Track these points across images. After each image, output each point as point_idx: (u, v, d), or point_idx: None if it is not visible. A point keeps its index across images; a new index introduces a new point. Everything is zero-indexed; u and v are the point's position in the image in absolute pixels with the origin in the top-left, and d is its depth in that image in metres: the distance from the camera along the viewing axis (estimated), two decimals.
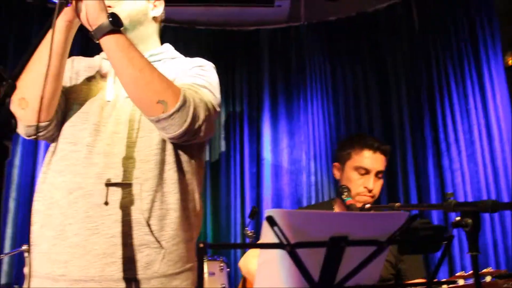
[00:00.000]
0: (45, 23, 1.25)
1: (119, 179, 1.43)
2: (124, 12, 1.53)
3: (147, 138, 1.48)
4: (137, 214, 1.41)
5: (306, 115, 4.07)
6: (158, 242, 1.42)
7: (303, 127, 4.06)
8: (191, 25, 4.14)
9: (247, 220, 3.71)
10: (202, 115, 1.43)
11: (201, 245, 0.92)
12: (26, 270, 1.57)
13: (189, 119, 1.39)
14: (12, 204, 3.45)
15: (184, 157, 1.53)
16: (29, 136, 1.52)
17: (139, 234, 1.41)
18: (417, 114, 3.75)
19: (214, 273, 3.29)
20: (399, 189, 3.68)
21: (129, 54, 1.36)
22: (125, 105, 1.51)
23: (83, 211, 1.41)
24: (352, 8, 4.03)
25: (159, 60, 1.62)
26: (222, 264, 3.31)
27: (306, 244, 0.96)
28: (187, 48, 4.11)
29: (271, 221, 0.91)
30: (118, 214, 1.40)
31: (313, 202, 3.88)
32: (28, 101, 1.40)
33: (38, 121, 1.44)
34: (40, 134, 1.51)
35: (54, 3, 3.28)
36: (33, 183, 3.53)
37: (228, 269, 3.37)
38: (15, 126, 1.07)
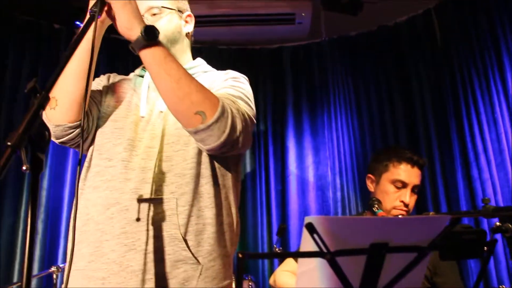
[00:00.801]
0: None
1: (155, 194, 1.42)
2: (163, 35, 1.54)
3: (182, 152, 1.48)
4: (173, 229, 1.40)
5: (330, 131, 4.06)
6: (195, 258, 1.41)
7: (328, 143, 4.05)
8: (213, 45, 4.19)
9: (275, 237, 3.68)
10: (240, 126, 1.42)
11: (240, 255, 0.91)
12: None
13: (227, 130, 1.38)
14: (40, 226, 3.49)
15: (220, 171, 1.53)
16: (58, 139, 1.53)
17: (176, 250, 1.39)
18: (443, 125, 3.70)
19: None
20: (428, 201, 3.62)
21: (166, 66, 1.36)
22: (160, 120, 1.53)
23: (120, 226, 1.40)
24: (373, 22, 4.04)
25: (192, 74, 1.60)
26: (251, 283, 3.28)
27: (346, 252, 0.95)
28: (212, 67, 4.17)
29: (311, 228, 0.90)
30: (154, 230, 1.39)
31: None
32: (57, 99, 1.43)
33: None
34: (68, 136, 1.51)
35: (80, 26, 3.34)
36: (61, 206, 3.58)
37: None
38: (48, 138, 1.09)
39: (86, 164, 1.57)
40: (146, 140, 1.50)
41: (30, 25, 3.73)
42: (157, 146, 1.48)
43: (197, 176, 1.47)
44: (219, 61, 4.17)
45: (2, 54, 3.56)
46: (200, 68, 1.70)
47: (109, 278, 1.38)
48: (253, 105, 1.59)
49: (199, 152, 1.48)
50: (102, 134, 1.55)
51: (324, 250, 0.93)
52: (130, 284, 1.36)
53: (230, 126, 1.38)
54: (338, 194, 3.90)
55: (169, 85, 1.36)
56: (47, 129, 1.09)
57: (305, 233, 0.92)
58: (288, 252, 1.63)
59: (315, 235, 0.91)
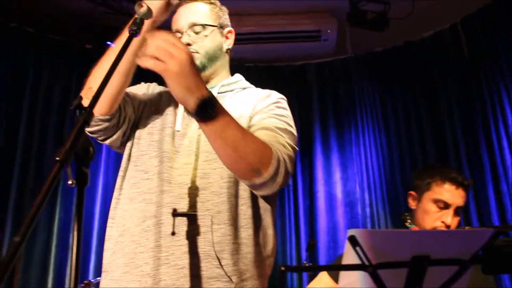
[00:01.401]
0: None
1: (191, 210, 1.42)
2: (202, 50, 1.58)
3: (220, 170, 1.46)
4: (207, 246, 1.39)
5: (358, 147, 4.05)
6: (228, 276, 1.39)
7: (355, 159, 4.04)
8: (240, 62, 4.25)
9: (304, 254, 3.67)
10: (290, 169, 1.42)
11: (282, 268, 0.92)
12: None
13: (281, 181, 1.38)
14: (71, 241, 3.55)
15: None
16: (88, 129, 1.52)
17: (209, 267, 1.38)
18: (472, 140, 3.66)
19: None
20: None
21: (223, 135, 1.31)
22: (197, 136, 1.52)
23: (154, 240, 1.41)
24: (399, 37, 4.04)
25: (231, 90, 1.65)
26: None
27: (388, 264, 0.95)
28: None
29: (354, 241, 0.91)
30: (188, 245, 1.39)
31: None
32: (94, 90, 1.44)
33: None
34: (97, 127, 1.51)
35: (110, 46, 3.39)
36: (92, 221, 3.63)
37: None
38: (93, 153, 1.12)
39: (121, 173, 1.58)
40: (182, 155, 1.50)
41: (62, 45, 3.85)
42: (194, 162, 1.48)
43: (234, 196, 1.47)
44: (246, 79, 4.23)
45: (35, 74, 3.67)
46: (240, 85, 1.70)
47: None
48: (295, 131, 1.57)
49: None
50: (138, 146, 1.57)
51: (366, 263, 0.94)
52: None
53: (284, 176, 1.38)
54: (367, 210, 3.88)
55: (226, 152, 1.34)
56: (92, 144, 1.12)
57: (348, 246, 0.92)
58: (329, 265, 1.61)
59: (357, 248, 0.92)
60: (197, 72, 1.26)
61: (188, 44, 1.56)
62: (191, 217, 1.41)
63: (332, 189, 4.03)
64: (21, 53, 3.65)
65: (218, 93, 1.61)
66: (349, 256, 0.94)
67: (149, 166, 1.51)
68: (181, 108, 1.59)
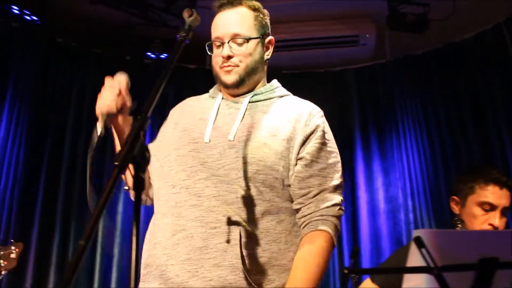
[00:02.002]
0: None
1: (219, 223, 1.43)
2: (243, 64, 1.56)
3: (248, 187, 1.47)
4: (235, 259, 1.41)
5: (399, 152, 3.98)
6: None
7: (397, 164, 3.97)
8: (277, 70, 4.24)
9: (346, 260, 3.63)
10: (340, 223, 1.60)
11: (345, 271, 0.91)
12: None
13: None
14: (116, 249, 3.61)
15: (288, 210, 1.53)
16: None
17: (237, 279, 1.40)
18: None
19: None
20: (510, 223, 3.44)
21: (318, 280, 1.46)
22: (228, 149, 1.50)
23: (185, 253, 1.44)
24: (439, 39, 3.96)
25: (267, 99, 1.62)
26: None
27: (454, 267, 0.92)
28: None
29: (419, 242, 0.89)
30: (217, 258, 1.41)
31: None
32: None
33: None
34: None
35: (150, 58, 3.45)
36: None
37: None
38: (148, 158, 1.14)
39: (154, 190, 1.64)
40: (211, 167, 1.50)
41: (103, 57, 3.94)
42: (224, 176, 1.48)
43: (263, 212, 1.47)
44: (283, 87, 4.22)
45: (81, 86, 3.77)
46: (277, 93, 1.67)
47: None
48: (341, 172, 1.69)
49: (266, 191, 1.49)
50: (168, 162, 1.58)
51: (432, 265, 0.91)
52: None
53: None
54: (411, 215, 3.79)
55: None
56: (147, 149, 1.14)
57: (413, 247, 0.90)
58: (395, 267, 1.57)
59: (423, 250, 0.90)
60: None
61: (229, 57, 1.55)
62: (220, 231, 1.43)
63: (374, 195, 3.96)
64: (67, 67, 3.76)
65: (250, 102, 1.59)
66: (414, 257, 0.91)
67: (176, 180, 1.53)
68: (210, 119, 1.57)
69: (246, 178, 1.47)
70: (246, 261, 1.41)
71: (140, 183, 1.11)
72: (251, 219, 1.45)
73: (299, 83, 4.25)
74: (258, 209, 1.46)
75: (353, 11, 3.83)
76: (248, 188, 1.46)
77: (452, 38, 3.95)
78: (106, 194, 1.06)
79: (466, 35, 3.92)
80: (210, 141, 1.53)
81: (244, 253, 1.41)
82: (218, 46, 1.59)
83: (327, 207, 1.52)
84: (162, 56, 3.88)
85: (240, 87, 1.58)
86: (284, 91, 1.72)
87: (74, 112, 3.69)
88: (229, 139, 1.51)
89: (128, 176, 1.59)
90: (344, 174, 3.82)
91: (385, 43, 4.06)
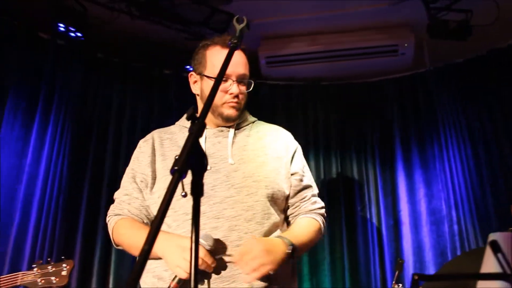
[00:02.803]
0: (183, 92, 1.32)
1: (243, 241, 1.57)
2: (243, 103, 1.80)
3: (261, 202, 1.65)
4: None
5: (442, 162, 3.88)
6: None
7: (440, 175, 3.87)
8: (316, 82, 4.23)
9: (389, 274, 3.54)
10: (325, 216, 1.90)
11: (416, 277, 0.88)
12: None
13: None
14: None
15: (283, 221, 1.79)
16: None
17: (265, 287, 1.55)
18: None
19: None
20: None
21: (304, 250, 1.74)
22: (233, 172, 1.67)
23: (215, 272, 1.54)
24: (482, 46, 3.86)
25: (247, 125, 1.86)
26: None
27: None
28: (314, 104, 4.19)
29: (495, 246, 0.85)
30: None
31: (458, 253, 3.61)
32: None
33: None
34: None
35: (189, 70, 3.47)
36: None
37: None
38: (206, 164, 1.14)
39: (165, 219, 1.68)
40: (221, 190, 1.63)
41: (143, 71, 4.01)
42: (236, 196, 1.62)
43: (273, 224, 1.67)
44: (323, 98, 4.20)
45: (121, 100, 3.84)
46: (250, 119, 1.90)
47: None
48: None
49: (273, 205, 1.69)
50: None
51: (508, 271, 0.87)
52: None
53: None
54: (455, 227, 3.68)
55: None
56: (205, 156, 1.14)
57: (488, 252, 0.86)
58: (470, 273, 1.54)
59: (499, 255, 0.85)
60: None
61: (237, 96, 1.75)
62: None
63: (416, 207, 3.87)
64: (108, 81, 3.84)
65: (236, 129, 1.80)
66: (489, 263, 0.87)
67: (188, 208, 1.60)
68: (203, 145, 1.71)
69: (257, 195, 1.64)
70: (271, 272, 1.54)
71: (199, 189, 1.12)
72: (267, 233, 1.63)
73: (338, 95, 4.23)
74: (270, 222, 1.65)
75: (391, 21, 3.79)
76: (260, 203, 1.64)
77: (495, 44, 3.85)
78: (167, 199, 1.06)
79: (511, 40, 3.81)
80: (211, 167, 1.66)
81: None
82: (224, 81, 1.72)
83: (318, 208, 1.85)
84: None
85: (236, 120, 1.80)
86: (252, 118, 1.93)
87: (115, 125, 3.75)
88: (230, 162, 1.68)
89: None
90: (385, 186, 3.78)
91: (424, 52, 3.99)
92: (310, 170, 3.89)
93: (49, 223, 3.20)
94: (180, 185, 1.70)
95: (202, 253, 1.50)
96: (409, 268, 3.70)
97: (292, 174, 1.81)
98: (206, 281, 1.56)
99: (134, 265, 0.90)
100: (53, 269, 2.30)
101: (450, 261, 2.51)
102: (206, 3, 3.53)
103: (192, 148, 1.13)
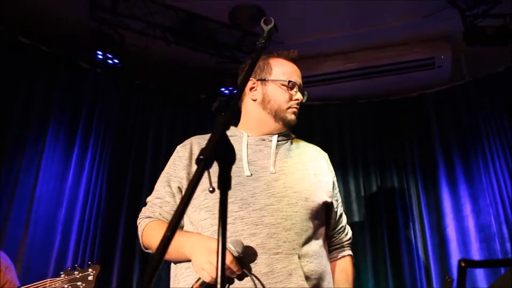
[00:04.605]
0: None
1: (281, 249, 1.55)
2: None
3: (301, 213, 1.64)
4: (300, 280, 1.53)
5: (488, 176, 3.71)
6: None
7: (486, 189, 3.69)
8: (353, 100, 4.18)
9: None
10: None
11: (463, 264, 0.82)
12: None
13: None
14: None
15: (323, 235, 1.77)
16: None
17: None
18: None
19: None
20: None
21: None
22: (274, 181, 1.67)
23: (238, 278, 1.50)
24: None
25: (286, 139, 1.86)
26: None
27: None
28: (351, 123, 4.13)
29: None
30: (283, 282, 1.52)
31: None
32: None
33: None
34: None
35: (224, 94, 3.49)
36: None
37: None
38: (234, 158, 1.12)
39: (193, 222, 1.68)
40: (261, 197, 1.62)
41: (179, 96, 4.07)
42: (276, 204, 1.61)
43: (311, 237, 1.65)
44: (360, 116, 4.14)
45: (158, 124, 3.90)
46: (290, 136, 1.92)
47: None
48: None
49: (312, 218, 1.68)
50: (210, 196, 1.62)
51: None
52: None
53: None
54: (507, 245, 3.48)
55: None
56: (233, 149, 1.12)
57: None
58: None
59: None
60: None
61: (301, 103, 1.84)
62: (282, 256, 1.56)
63: (464, 223, 3.69)
64: (146, 106, 3.92)
65: (278, 141, 1.81)
66: None
67: (228, 212, 1.54)
68: (244, 155, 1.72)
69: (297, 205, 1.64)
70: (309, 281, 1.55)
71: (227, 182, 1.09)
72: (304, 243, 1.60)
73: (375, 112, 4.16)
74: (309, 234, 1.63)
75: (426, 33, 3.73)
76: (299, 215, 1.63)
77: None
78: (191, 189, 1.04)
79: None
80: (252, 174, 1.66)
81: (306, 274, 1.55)
82: (290, 88, 1.82)
83: (349, 239, 1.93)
84: (235, 91, 3.96)
85: (292, 126, 1.85)
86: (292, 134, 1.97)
87: (152, 149, 3.81)
88: (271, 171, 1.69)
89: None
90: (429, 202, 3.65)
91: (462, 63, 3.89)
92: (350, 190, 3.88)
93: (88, 245, 3.26)
94: (207, 180, 1.72)
95: (228, 259, 1.47)
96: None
97: (333, 198, 1.86)
98: (227, 286, 1.52)
99: (155, 252, 0.88)
100: (80, 274, 2.30)
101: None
102: (237, 27, 3.59)
103: (219, 139, 1.11)
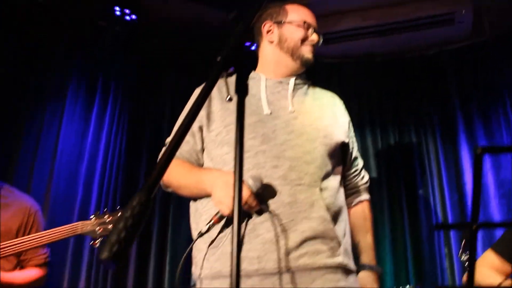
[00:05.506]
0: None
1: (302, 181, 1.60)
2: None
3: (320, 148, 1.69)
4: (323, 211, 1.59)
5: (509, 131, 3.66)
6: (337, 236, 1.61)
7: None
8: (370, 58, 4.13)
9: (455, 249, 3.39)
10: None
11: (474, 226, 0.83)
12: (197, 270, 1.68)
13: None
14: None
15: (338, 172, 1.82)
16: None
17: (325, 229, 1.58)
18: None
19: None
20: None
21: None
22: (293, 119, 1.71)
23: (275, 208, 1.55)
24: None
25: (302, 83, 1.90)
26: None
27: None
28: (368, 81, 4.11)
29: None
30: (306, 212, 1.57)
31: None
32: None
33: None
34: None
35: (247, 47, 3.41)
36: None
37: None
38: (249, 66, 1.13)
39: (215, 158, 1.71)
40: (282, 134, 1.67)
41: (198, 54, 4.06)
42: (296, 140, 1.66)
43: (329, 172, 1.70)
44: (377, 74, 4.11)
45: (174, 81, 3.92)
46: (307, 81, 1.97)
47: (265, 257, 1.51)
48: None
49: (330, 155, 1.73)
50: (232, 131, 1.67)
51: None
52: (286, 261, 1.50)
53: None
54: None
55: None
56: (248, 57, 1.14)
57: None
58: None
59: None
60: None
61: (317, 44, 1.89)
62: (303, 187, 1.60)
63: (483, 179, 3.66)
64: (162, 65, 3.96)
65: (296, 84, 1.84)
66: None
67: (249, 147, 1.64)
68: (263, 94, 1.76)
69: (316, 142, 1.69)
70: (330, 212, 1.61)
71: (243, 87, 1.10)
72: (324, 177, 1.65)
73: (393, 70, 4.11)
74: (328, 170, 1.68)
75: None
76: (318, 150, 1.68)
77: None
78: (208, 87, 1.06)
79: None
80: (271, 113, 1.71)
81: (327, 206, 1.61)
82: (306, 28, 1.87)
83: (366, 182, 2.01)
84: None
85: (309, 66, 1.89)
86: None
87: (170, 105, 3.84)
88: (290, 110, 1.73)
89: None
90: (447, 158, 3.63)
91: (483, 19, 3.80)
92: (368, 146, 3.87)
93: (110, 196, 3.34)
94: (224, 89, 1.77)
95: (246, 193, 1.49)
96: (478, 242, 3.50)
97: (350, 141, 1.91)
98: (246, 220, 1.55)
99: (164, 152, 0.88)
100: (109, 218, 2.37)
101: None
102: None
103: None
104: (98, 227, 2.33)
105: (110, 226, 2.33)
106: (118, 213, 2.38)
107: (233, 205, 0.91)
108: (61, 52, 3.48)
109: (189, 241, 3.46)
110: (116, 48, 3.70)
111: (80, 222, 2.33)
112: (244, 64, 1.14)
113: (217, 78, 1.06)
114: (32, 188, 3.08)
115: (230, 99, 1.72)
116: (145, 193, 0.76)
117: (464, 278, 2.54)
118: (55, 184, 3.20)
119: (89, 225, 2.33)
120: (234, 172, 0.96)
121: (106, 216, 2.36)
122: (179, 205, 3.59)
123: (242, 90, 1.11)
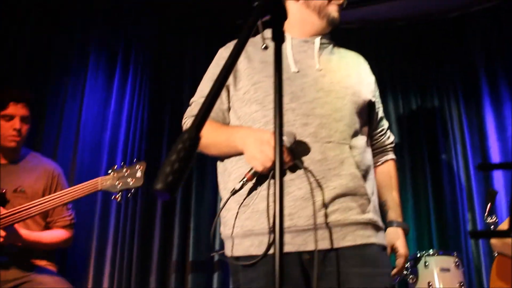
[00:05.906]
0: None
1: (332, 138, 1.59)
2: None
3: (349, 105, 1.68)
4: (353, 169, 1.58)
5: None
6: (367, 193, 1.60)
7: None
8: (390, 22, 4.06)
9: (479, 217, 3.39)
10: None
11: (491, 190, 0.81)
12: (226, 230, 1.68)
13: None
14: None
15: (365, 132, 1.78)
16: None
17: (356, 186, 1.57)
18: None
19: (449, 269, 3.00)
20: None
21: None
22: (321, 77, 1.69)
23: (306, 165, 1.54)
24: None
25: (327, 43, 1.84)
26: (457, 260, 3.01)
27: None
28: (389, 46, 4.05)
29: None
30: (337, 169, 1.56)
31: None
32: None
33: None
34: None
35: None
36: None
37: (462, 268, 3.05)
38: (285, 14, 1.11)
39: (243, 115, 1.70)
40: (310, 91, 1.65)
41: (216, 21, 4.03)
42: (325, 97, 1.64)
43: (357, 131, 1.69)
44: (398, 39, 4.04)
45: (194, 50, 3.91)
46: (332, 42, 1.89)
47: (297, 214, 1.52)
48: None
49: (358, 114, 1.71)
50: (260, 89, 1.65)
51: None
52: (318, 217, 1.51)
53: None
54: None
55: None
56: (284, 6, 1.13)
57: None
58: None
59: None
60: None
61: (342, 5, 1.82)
62: (334, 144, 1.60)
63: (508, 144, 3.60)
64: (182, 33, 3.94)
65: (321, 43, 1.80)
66: None
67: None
68: (289, 54, 1.73)
69: (345, 99, 1.67)
70: (360, 169, 1.60)
71: (280, 35, 1.09)
72: (353, 135, 1.64)
73: (414, 36, 4.04)
74: (356, 128, 1.67)
75: None
76: (347, 108, 1.66)
77: None
78: (245, 34, 1.05)
79: None
80: (298, 71, 1.69)
81: (357, 164, 1.60)
82: None
83: (391, 142, 1.99)
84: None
85: (336, 25, 1.82)
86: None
87: (190, 72, 3.83)
88: (318, 68, 1.71)
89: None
90: (471, 123, 3.58)
91: None
92: (390, 111, 3.83)
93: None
94: (260, 39, 1.76)
95: None
96: (502, 208, 3.48)
97: (376, 100, 1.88)
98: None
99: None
100: (128, 171, 2.38)
101: None
102: None
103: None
104: (117, 181, 2.34)
105: (129, 179, 2.34)
106: (136, 165, 2.39)
107: (274, 159, 0.91)
108: (81, 20, 3.49)
109: (212, 211, 3.55)
110: (136, 12, 3.70)
111: (99, 178, 2.36)
112: (281, 11, 1.12)
113: (254, 24, 1.04)
114: (58, 159, 3.12)
115: (266, 47, 1.70)
116: (194, 129, 0.76)
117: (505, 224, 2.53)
118: (80, 154, 3.25)
119: (109, 179, 2.36)
120: (274, 118, 0.96)
121: (124, 170, 2.38)
122: (201, 175, 3.62)
123: (279, 38, 1.10)
